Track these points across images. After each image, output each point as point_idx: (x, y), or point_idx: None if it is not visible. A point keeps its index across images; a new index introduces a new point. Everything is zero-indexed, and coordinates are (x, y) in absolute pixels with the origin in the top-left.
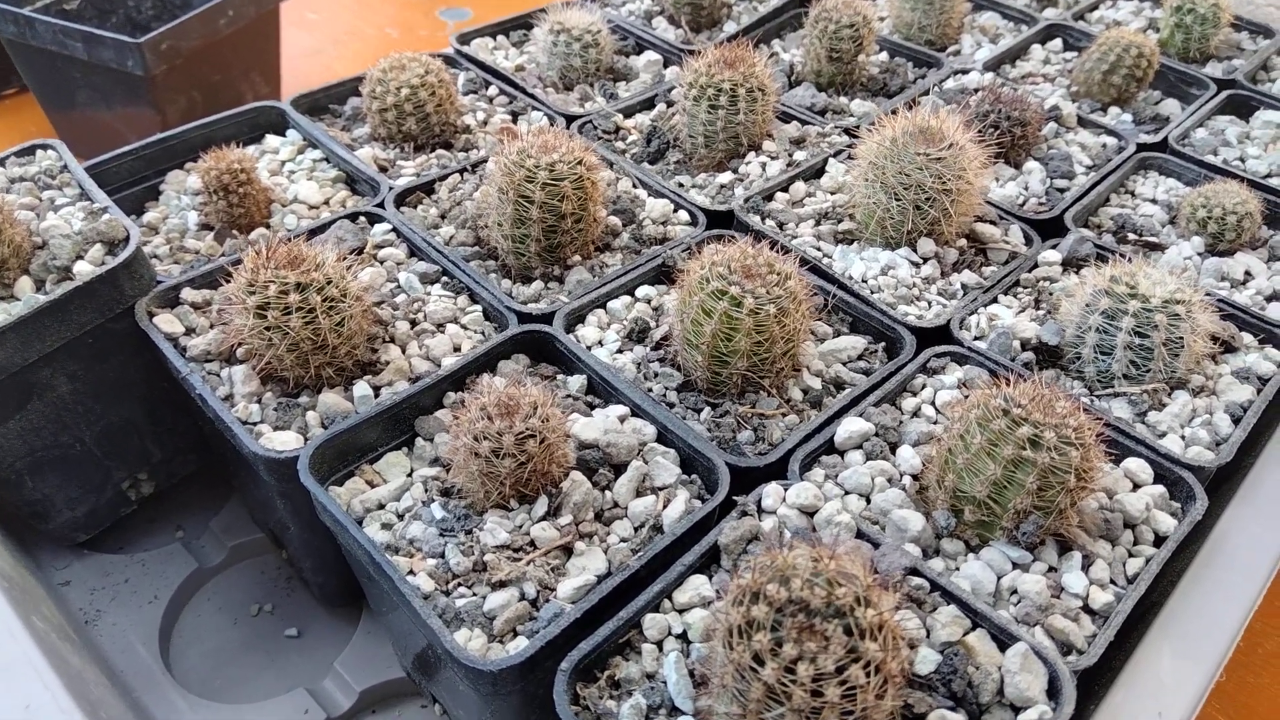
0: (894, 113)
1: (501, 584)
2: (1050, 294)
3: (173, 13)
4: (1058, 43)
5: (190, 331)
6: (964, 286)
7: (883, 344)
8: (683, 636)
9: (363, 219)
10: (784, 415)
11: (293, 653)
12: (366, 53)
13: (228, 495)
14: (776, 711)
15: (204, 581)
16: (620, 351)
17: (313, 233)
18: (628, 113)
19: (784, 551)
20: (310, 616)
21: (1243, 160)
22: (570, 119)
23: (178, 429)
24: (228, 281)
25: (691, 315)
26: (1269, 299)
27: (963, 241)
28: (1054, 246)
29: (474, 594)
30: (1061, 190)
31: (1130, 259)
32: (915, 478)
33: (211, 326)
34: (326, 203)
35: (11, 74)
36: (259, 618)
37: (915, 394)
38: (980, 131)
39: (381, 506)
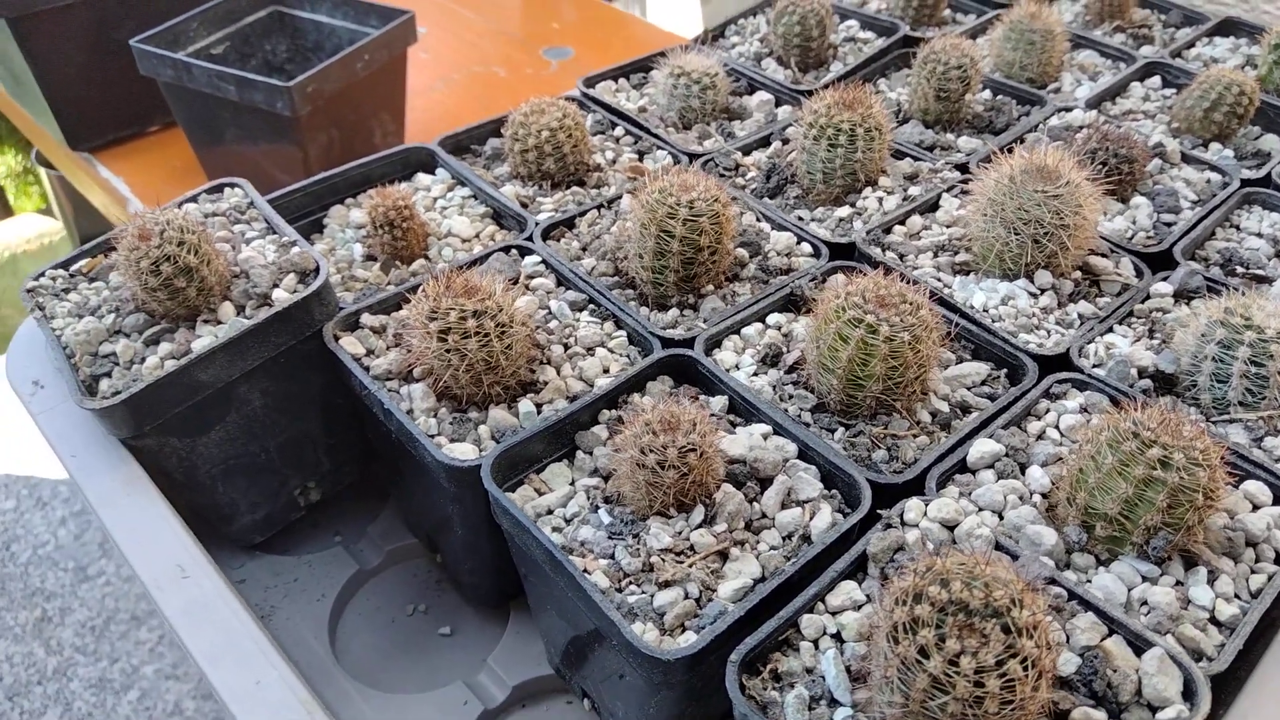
0: (1008, 150)
1: (668, 583)
2: (1164, 324)
3: (305, 55)
4: (1156, 80)
5: (370, 353)
6: (1080, 316)
7: (1004, 370)
8: (837, 636)
9: (514, 252)
10: (915, 436)
11: (446, 650)
12: (476, 89)
13: (382, 505)
14: (940, 700)
15: (364, 582)
16: (756, 375)
17: (471, 264)
18: (745, 150)
19: (940, 558)
20: (461, 617)
21: None
22: (692, 157)
23: (345, 442)
24: (399, 309)
25: (828, 342)
26: None
27: (1077, 274)
28: (1165, 279)
29: (643, 592)
30: (1169, 224)
31: (1243, 291)
32: (1045, 496)
33: (388, 349)
34: (477, 236)
35: (154, 113)
36: (414, 617)
37: (1040, 418)
38: (1089, 168)
39: (550, 512)
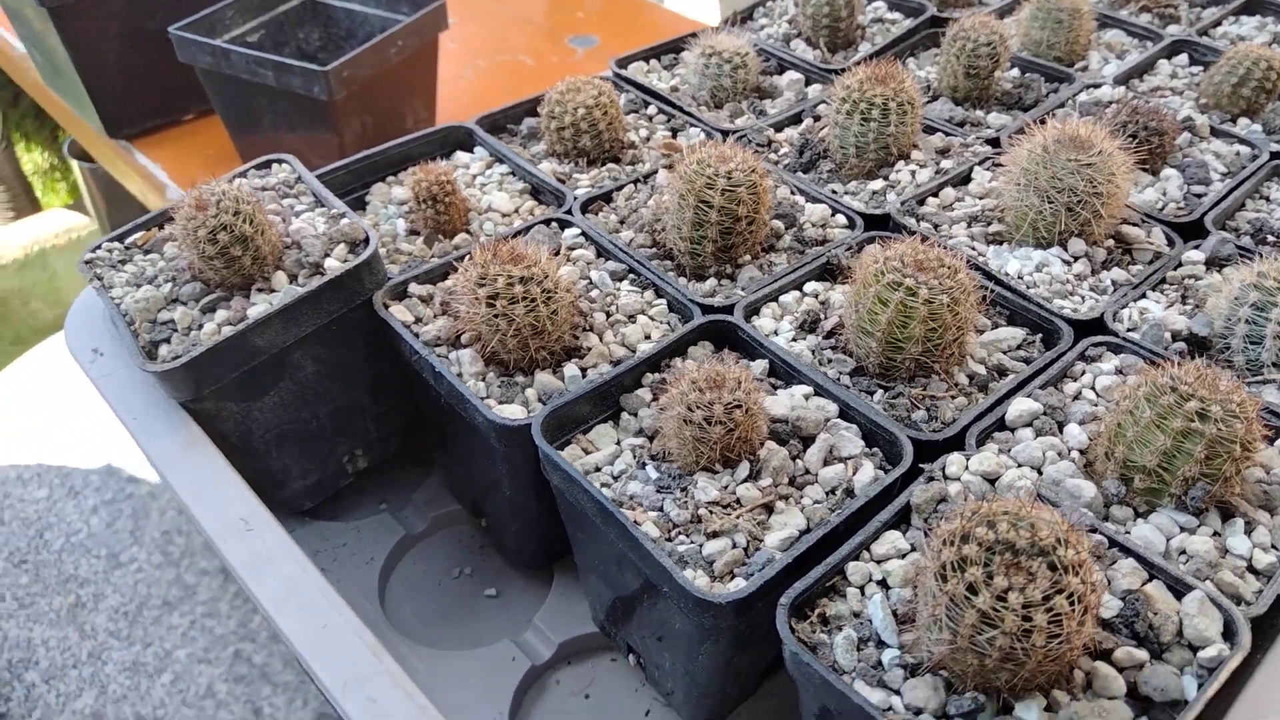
0: (1041, 122)
1: (716, 534)
2: (1196, 290)
3: (338, 43)
4: (1184, 58)
5: (418, 320)
6: (1114, 283)
7: (1040, 335)
8: (882, 583)
9: (554, 224)
10: (953, 398)
11: (493, 611)
12: (504, 78)
13: (427, 473)
14: (989, 635)
15: (410, 547)
16: (795, 340)
17: (512, 237)
18: (777, 127)
19: (986, 502)
20: (506, 579)
21: None
22: (725, 134)
23: (392, 410)
24: (445, 278)
25: (867, 305)
26: None
27: (1110, 242)
28: (1196, 247)
29: (692, 541)
30: (1199, 196)
31: (1275, 257)
32: (1083, 452)
33: (436, 317)
34: (517, 211)
35: (189, 101)
36: (460, 579)
37: (1076, 379)
38: (1120, 140)
39: (598, 469)
